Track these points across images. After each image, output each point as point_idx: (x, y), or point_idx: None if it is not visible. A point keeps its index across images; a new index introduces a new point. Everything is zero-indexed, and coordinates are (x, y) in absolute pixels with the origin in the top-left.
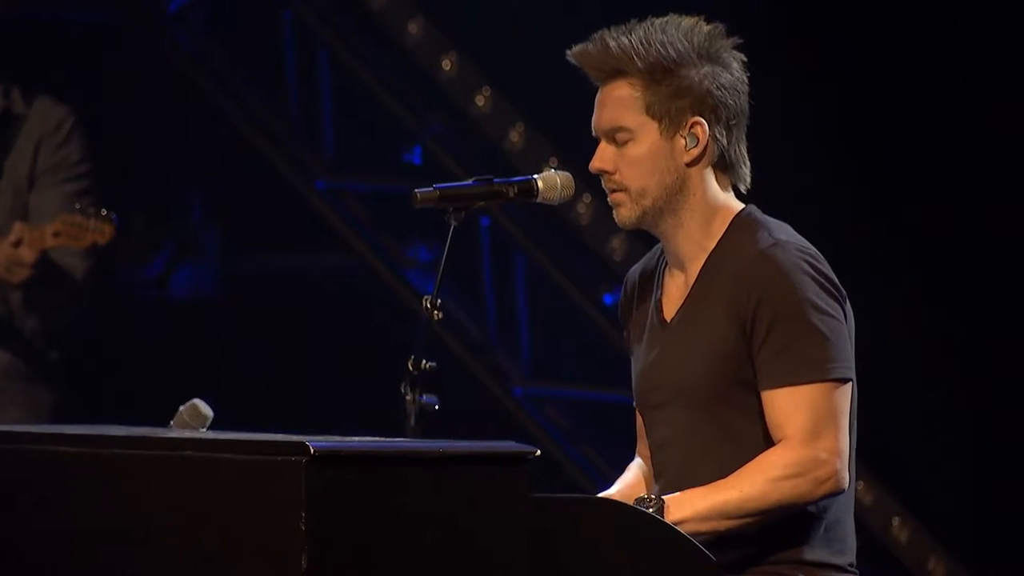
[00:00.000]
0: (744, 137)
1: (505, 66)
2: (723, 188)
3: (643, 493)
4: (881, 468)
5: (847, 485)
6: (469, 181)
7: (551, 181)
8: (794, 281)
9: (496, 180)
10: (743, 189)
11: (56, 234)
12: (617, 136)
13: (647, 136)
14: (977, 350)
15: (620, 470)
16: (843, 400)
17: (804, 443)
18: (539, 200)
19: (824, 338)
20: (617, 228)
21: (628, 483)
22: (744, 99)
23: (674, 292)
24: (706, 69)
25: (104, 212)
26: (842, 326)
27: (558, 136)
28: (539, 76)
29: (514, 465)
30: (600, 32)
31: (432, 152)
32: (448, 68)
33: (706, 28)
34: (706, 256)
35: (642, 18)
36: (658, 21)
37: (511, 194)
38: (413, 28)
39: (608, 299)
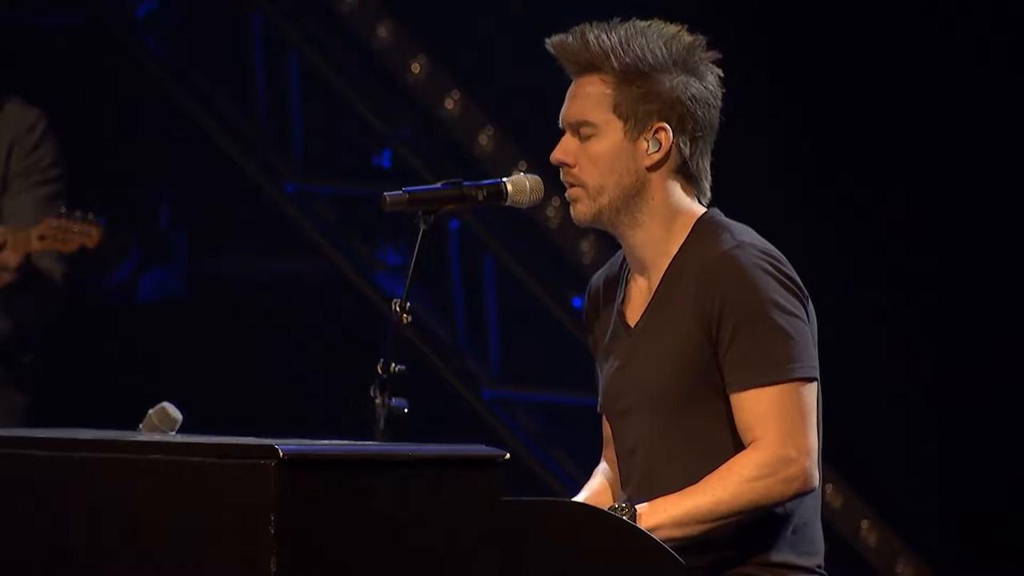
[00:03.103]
0: (709, 152)
1: (474, 70)
2: (687, 195)
3: (610, 498)
4: (850, 472)
5: (817, 484)
6: (438, 184)
7: (520, 184)
8: (757, 282)
9: (465, 183)
10: (703, 202)
11: (42, 237)
12: (582, 130)
13: (611, 134)
14: (945, 354)
15: (589, 473)
16: (810, 399)
17: (774, 444)
18: (508, 203)
19: (789, 338)
20: (586, 231)
21: (595, 490)
22: (715, 113)
23: (637, 297)
24: (680, 78)
25: (90, 216)
26: (806, 326)
27: (527, 140)
28: (508, 80)
29: (484, 468)
30: (582, 25)
31: (401, 156)
32: (417, 71)
33: (687, 39)
34: (668, 260)
35: (626, 18)
36: (641, 24)
37: (480, 197)
38: (382, 31)
39: (577, 302)
